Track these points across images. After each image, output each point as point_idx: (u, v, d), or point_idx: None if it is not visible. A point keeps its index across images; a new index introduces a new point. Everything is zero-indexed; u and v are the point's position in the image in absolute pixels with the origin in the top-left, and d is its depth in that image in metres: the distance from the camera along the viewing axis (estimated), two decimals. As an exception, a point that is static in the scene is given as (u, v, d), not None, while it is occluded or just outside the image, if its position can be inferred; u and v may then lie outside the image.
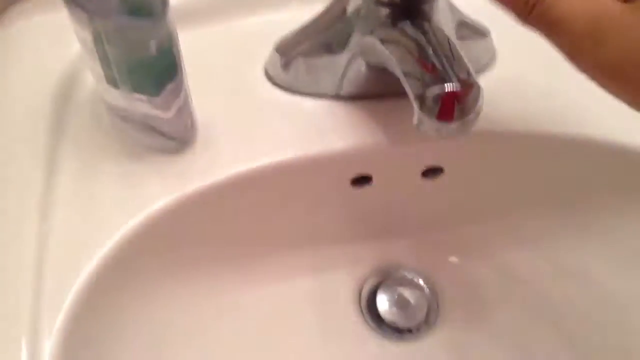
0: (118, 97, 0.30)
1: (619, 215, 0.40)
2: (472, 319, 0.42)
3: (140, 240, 0.31)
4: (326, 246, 0.41)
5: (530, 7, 0.24)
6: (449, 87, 0.27)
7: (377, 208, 0.40)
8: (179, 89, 0.31)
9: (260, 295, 0.40)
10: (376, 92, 0.36)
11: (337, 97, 0.36)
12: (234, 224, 0.37)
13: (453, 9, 0.35)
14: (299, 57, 0.36)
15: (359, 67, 0.35)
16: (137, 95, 0.30)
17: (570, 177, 0.39)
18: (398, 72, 0.29)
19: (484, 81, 0.29)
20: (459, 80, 0.27)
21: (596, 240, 0.41)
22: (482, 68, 0.38)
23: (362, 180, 0.38)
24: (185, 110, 0.32)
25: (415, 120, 0.29)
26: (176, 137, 0.34)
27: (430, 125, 0.28)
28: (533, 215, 0.42)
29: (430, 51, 0.29)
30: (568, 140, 0.36)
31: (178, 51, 0.29)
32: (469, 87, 0.27)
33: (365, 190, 0.39)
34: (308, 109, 0.36)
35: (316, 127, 0.35)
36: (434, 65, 0.28)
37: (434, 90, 0.27)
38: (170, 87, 0.30)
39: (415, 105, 0.28)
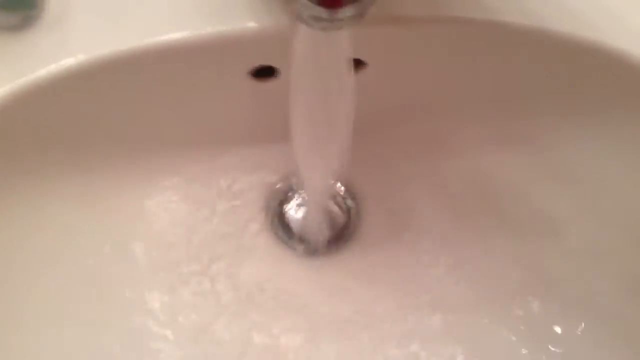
0: None
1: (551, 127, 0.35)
2: (392, 232, 0.37)
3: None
4: (227, 148, 0.36)
5: None
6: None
7: (286, 105, 0.34)
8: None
9: (149, 202, 0.35)
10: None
11: (231, -35, 0.29)
12: (98, 120, 0.31)
13: None
14: None
15: None
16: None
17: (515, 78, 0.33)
18: None
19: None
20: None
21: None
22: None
23: (265, 72, 0.32)
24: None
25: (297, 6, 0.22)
26: (17, 9, 0.27)
27: (310, 10, 0.21)
28: (468, 120, 0.36)
29: None
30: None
31: None
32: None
33: (270, 84, 0.32)
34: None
35: (205, 5, 0.29)
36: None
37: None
38: None
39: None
